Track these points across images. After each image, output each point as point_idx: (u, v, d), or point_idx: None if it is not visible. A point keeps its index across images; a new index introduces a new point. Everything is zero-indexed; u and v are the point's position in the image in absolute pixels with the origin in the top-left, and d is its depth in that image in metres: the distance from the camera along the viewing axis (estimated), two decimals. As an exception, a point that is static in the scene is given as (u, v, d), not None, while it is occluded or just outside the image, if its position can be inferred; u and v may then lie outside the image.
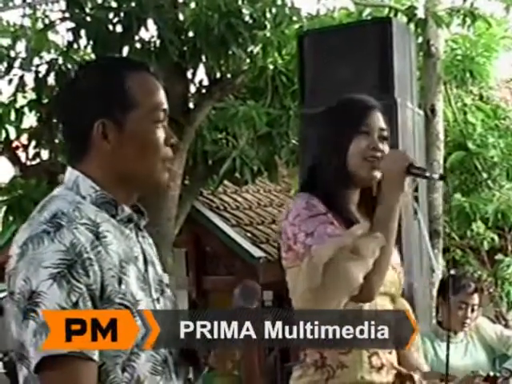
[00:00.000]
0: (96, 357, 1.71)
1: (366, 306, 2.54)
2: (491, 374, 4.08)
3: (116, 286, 1.75)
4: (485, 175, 8.83)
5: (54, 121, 7.80)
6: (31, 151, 8.07)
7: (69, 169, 1.88)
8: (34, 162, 8.09)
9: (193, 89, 8.00)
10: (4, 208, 7.60)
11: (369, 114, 2.65)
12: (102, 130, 1.83)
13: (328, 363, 2.58)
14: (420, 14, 6.97)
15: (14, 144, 8.16)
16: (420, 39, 7.03)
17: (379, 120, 2.66)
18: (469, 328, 4.32)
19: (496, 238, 8.96)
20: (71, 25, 7.28)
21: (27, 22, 8.00)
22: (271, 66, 7.91)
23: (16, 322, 1.74)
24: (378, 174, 2.60)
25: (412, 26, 6.62)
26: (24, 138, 8.12)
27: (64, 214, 1.75)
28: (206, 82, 7.95)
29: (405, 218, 4.78)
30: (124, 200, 1.88)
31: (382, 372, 2.63)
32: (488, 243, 8.89)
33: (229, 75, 7.85)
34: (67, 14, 7.51)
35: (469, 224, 8.51)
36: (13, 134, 8.09)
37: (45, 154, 8.14)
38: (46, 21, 7.86)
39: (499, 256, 9.03)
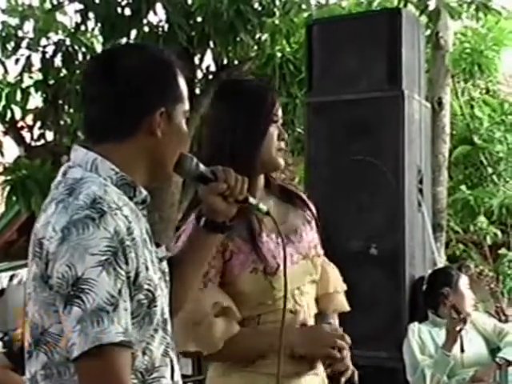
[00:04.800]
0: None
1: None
2: None
3: (145, 272, 1.77)
4: (490, 170, 8.81)
5: (60, 102, 7.80)
6: (36, 132, 8.06)
7: (81, 150, 1.87)
8: (38, 143, 8.08)
9: (199, 74, 7.97)
10: (7, 188, 7.56)
11: (277, 103, 2.56)
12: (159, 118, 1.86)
13: None
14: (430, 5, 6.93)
15: (19, 124, 8.15)
16: (428, 31, 6.99)
17: (279, 108, 2.58)
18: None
19: (499, 233, 8.93)
20: (79, 6, 7.24)
21: (35, 2, 7.98)
22: (279, 54, 7.88)
23: (44, 306, 1.72)
24: (283, 163, 2.59)
25: (423, 17, 6.56)
26: (29, 119, 8.11)
27: (102, 198, 1.74)
28: (212, 68, 7.92)
29: (409, 210, 4.78)
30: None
31: (302, 362, 2.51)
32: (491, 238, 8.86)
33: (236, 62, 7.82)
34: (76, -4, 7.48)
35: (473, 218, 8.48)
36: (18, 114, 8.08)
37: (49, 136, 8.13)
38: (55, 1, 7.81)
39: (502, 251, 9.02)
